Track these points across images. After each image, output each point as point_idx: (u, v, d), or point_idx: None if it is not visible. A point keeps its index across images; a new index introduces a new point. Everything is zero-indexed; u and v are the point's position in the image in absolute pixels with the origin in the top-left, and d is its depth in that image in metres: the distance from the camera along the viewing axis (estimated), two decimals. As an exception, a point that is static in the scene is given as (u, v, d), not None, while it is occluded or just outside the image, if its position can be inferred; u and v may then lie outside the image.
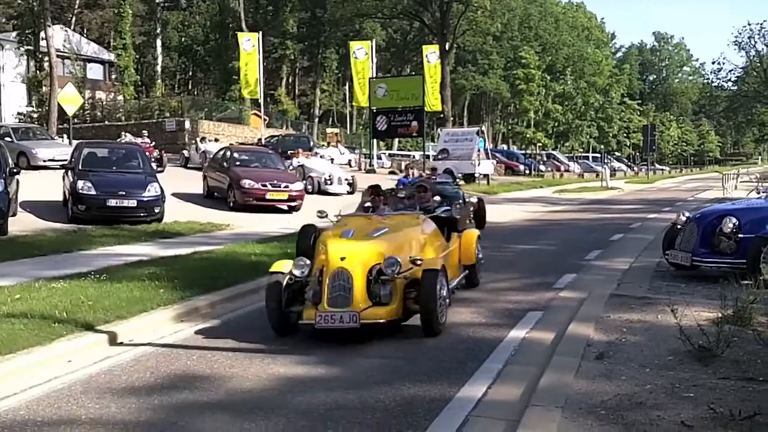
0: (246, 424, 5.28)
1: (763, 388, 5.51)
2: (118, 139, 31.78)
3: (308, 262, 7.81)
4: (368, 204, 9.89)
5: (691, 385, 5.61)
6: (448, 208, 10.04)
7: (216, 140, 33.16)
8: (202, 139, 33.74)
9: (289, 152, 30.37)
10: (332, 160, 40.91)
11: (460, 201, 17.63)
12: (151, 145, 31.52)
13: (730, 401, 5.18)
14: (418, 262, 7.84)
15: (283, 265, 7.89)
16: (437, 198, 11.80)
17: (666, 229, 12.26)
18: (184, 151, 34.43)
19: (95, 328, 7.69)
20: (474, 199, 18.96)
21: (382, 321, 7.34)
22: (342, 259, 7.48)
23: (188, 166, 31.90)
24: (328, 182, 26.39)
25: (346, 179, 26.93)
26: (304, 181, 25.77)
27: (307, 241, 10.45)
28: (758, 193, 21.17)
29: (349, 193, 26.24)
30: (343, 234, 8.08)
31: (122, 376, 6.52)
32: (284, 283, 7.69)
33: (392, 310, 7.46)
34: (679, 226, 11.30)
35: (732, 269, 9.68)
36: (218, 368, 6.71)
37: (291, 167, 26.22)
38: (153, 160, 25.98)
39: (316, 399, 5.79)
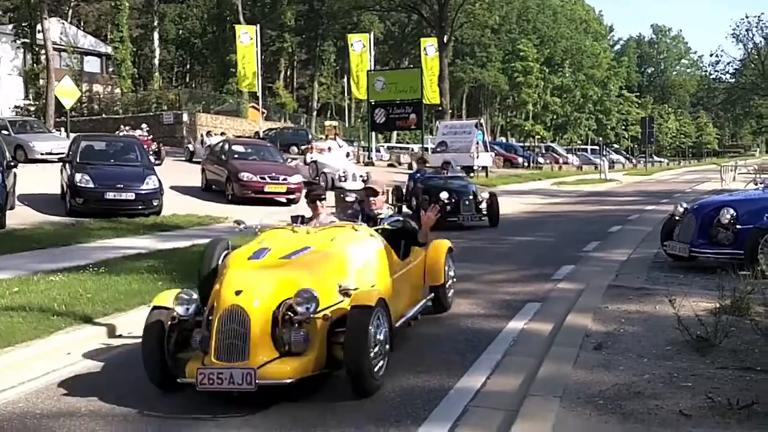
0: (245, 413, 5.31)
1: (760, 377, 5.53)
2: (116, 132, 31.72)
3: (195, 295, 5.88)
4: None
5: (689, 374, 5.63)
6: (399, 218, 7.73)
7: (222, 134, 32.98)
8: (208, 133, 33.48)
9: (302, 148, 30.03)
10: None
11: (470, 197, 17.14)
12: (149, 138, 31.44)
13: (728, 390, 5.19)
14: (351, 292, 5.95)
15: (170, 297, 5.93)
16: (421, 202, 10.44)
17: (664, 220, 12.28)
18: (189, 146, 34.20)
19: (94, 321, 7.70)
20: (486, 194, 18.06)
21: (289, 381, 5.32)
22: (237, 293, 5.48)
23: (193, 160, 31.61)
24: (342, 179, 25.43)
25: (361, 175, 25.92)
26: (317, 178, 25.54)
27: (213, 263, 7.78)
28: (756, 184, 21.18)
29: None
30: (254, 255, 6.17)
31: (121, 369, 6.52)
32: (168, 322, 5.80)
33: (307, 363, 5.45)
34: (677, 218, 11.32)
35: (730, 260, 9.70)
36: (217, 360, 6.70)
37: (289, 160, 26.11)
38: (151, 153, 25.98)
39: (314, 389, 5.79)
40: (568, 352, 6.33)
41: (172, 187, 21.41)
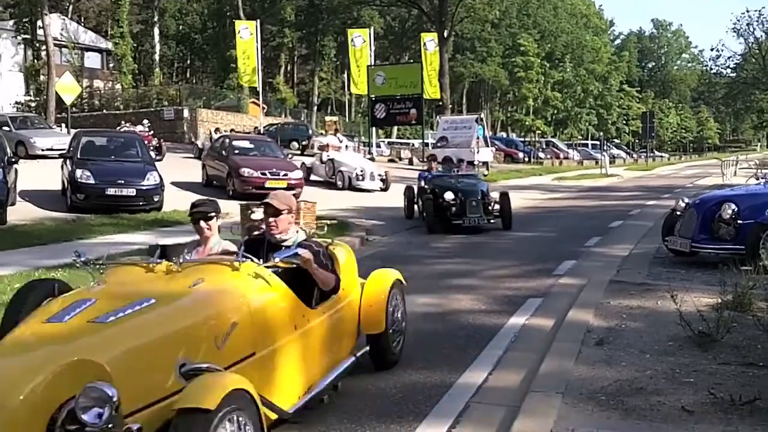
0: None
1: (763, 373, 5.52)
2: (117, 128, 31.67)
3: None
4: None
5: (691, 370, 5.62)
6: (296, 251, 5.03)
7: (232, 131, 32.78)
8: (216, 130, 33.35)
9: (317, 146, 29.43)
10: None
11: (477, 197, 15.93)
12: (150, 133, 31.38)
13: (731, 386, 5.19)
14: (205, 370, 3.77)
15: None
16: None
17: (665, 215, 12.26)
18: (198, 142, 33.99)
19: (95, 317, 7.68)
20: (496, 195, 16.71)
21: None
22: None
23: (202, 157, 31.35)
24: (360, 177, 24.67)
25: (379, 174, 25.14)
26: (334, 176, 25.05)
27: (16, 318, 4.98)
28: (757, 179, 21.14)
29: (382, 189, 24.56)
30: (58, 313, 3.96)
31: (122, 364, 6.50)
32: None
33: None
34: (678, 213, 11.29)
35: (731, 255, 9.68)
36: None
37: (290, 156, 26.00)
38: (152, 148, 25.99)
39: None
40: (569, 347, 6.32)
41: (173, 183, 21.40)
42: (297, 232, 5.57)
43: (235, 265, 4.66)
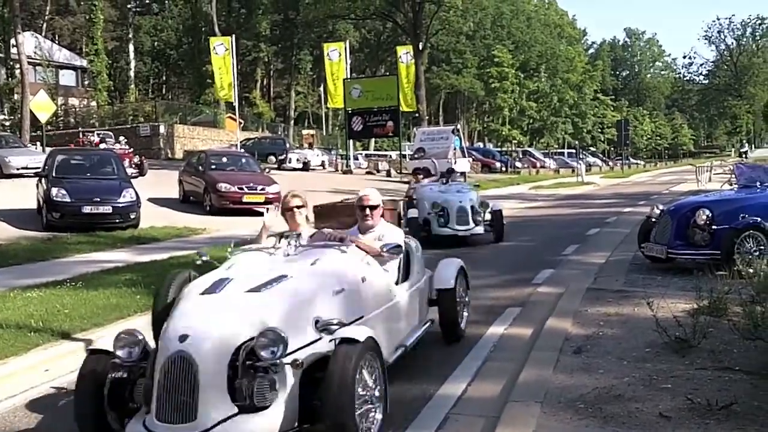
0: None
1: (739, 377, 5.57)
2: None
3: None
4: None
5: (668, 376, 5.66)
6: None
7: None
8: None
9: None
10: (308, 162, 40.94)
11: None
12: (130, 151, 31.16)
13: (707, 391, 5.22)
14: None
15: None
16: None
17: (641, 222, 12.35)
18: None
19: (72, 337, 7.62)
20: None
21: None
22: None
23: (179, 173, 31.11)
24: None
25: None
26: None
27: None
28: (731, 184, 21.35)
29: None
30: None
31: (100, 384, 6.45)
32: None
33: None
34: (653, 219, 11.37)
35: (707, 261, 9.77)
36: (197, 373, 6.64)
37: (267, 171, 25.91)
38: (133, 165, 25.92)
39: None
40: (548, 356, 6.35)
41: (149, 200, 21.28)
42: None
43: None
